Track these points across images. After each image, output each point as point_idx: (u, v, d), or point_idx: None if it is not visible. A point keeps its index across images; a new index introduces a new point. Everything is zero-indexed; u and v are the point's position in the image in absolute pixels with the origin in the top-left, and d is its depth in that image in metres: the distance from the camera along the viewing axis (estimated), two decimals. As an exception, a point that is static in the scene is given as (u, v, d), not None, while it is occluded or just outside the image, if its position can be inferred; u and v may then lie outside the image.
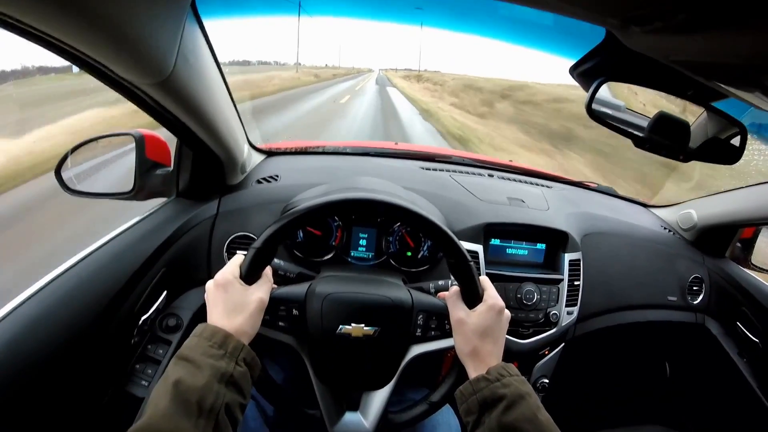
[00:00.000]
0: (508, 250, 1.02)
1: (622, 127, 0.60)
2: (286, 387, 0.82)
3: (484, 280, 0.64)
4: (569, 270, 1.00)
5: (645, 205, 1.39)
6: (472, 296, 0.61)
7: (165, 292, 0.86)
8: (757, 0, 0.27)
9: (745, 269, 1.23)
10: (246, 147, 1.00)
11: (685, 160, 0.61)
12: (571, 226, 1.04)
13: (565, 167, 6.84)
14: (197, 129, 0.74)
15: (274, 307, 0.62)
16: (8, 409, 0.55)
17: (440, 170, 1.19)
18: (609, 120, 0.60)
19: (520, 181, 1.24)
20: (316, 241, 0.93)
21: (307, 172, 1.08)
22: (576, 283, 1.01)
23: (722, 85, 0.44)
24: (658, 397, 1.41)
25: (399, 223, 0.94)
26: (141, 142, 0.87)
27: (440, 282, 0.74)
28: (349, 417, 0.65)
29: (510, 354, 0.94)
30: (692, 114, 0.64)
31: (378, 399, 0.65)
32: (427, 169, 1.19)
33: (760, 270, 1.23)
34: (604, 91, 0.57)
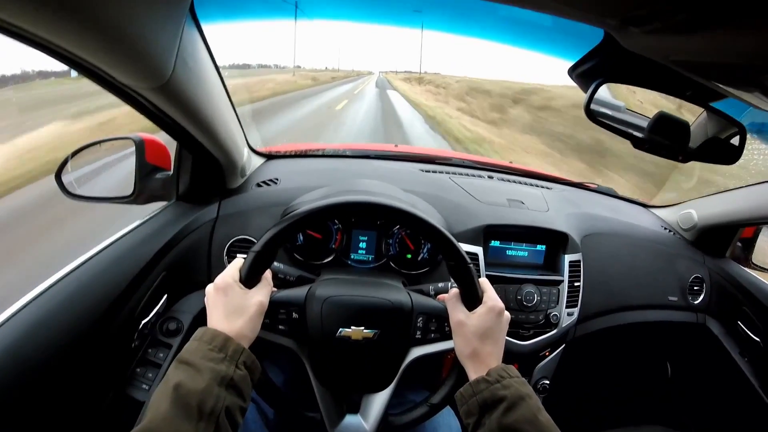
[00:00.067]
0: (508, 252, 1.02)
1: (621, 127, 0.60)
2: (286, 390, 0.82)
3: (484, 282, 0.64)
4: (569, 271, 0.99)
5: (645, 206, 1.39)
6: (471, 298, 0.61)
7: (165, 296, 0.86)
8: (756, 0, 0.27)
9: (746, 269, 1.23)
10: (245, 150, 1.00)
11: (685, 160, 0.61)
12: (571, 227, 1.04)
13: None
14: (197, 133, 0.74)
15: (274, 310, 0.62)
16: (9, 412, 0.55)
17: (440, 172, 1.19)
18: (608, 121, 0.60)
19: (520, 183, 1.24)
20: (316, 244, 0.93)
21: (306, 175, 1.08)
22: (576, 284, 1.01)
23: (721, 85, 0.44)
24: (659, 398, 1.41)
25: (399, 226, 0.94)
26: (141, 146, 0.87)
27: (440, 284, 0.74)
28: (350, 420, 0.65)
29: (510, 355, 0.93)
30: (691, 114, 0.64)
31: (378, 401, 0.65)
32: (426, 171, 1.19)
33: (761, 269, 1.23)
34: (604, 92, 0.57)
